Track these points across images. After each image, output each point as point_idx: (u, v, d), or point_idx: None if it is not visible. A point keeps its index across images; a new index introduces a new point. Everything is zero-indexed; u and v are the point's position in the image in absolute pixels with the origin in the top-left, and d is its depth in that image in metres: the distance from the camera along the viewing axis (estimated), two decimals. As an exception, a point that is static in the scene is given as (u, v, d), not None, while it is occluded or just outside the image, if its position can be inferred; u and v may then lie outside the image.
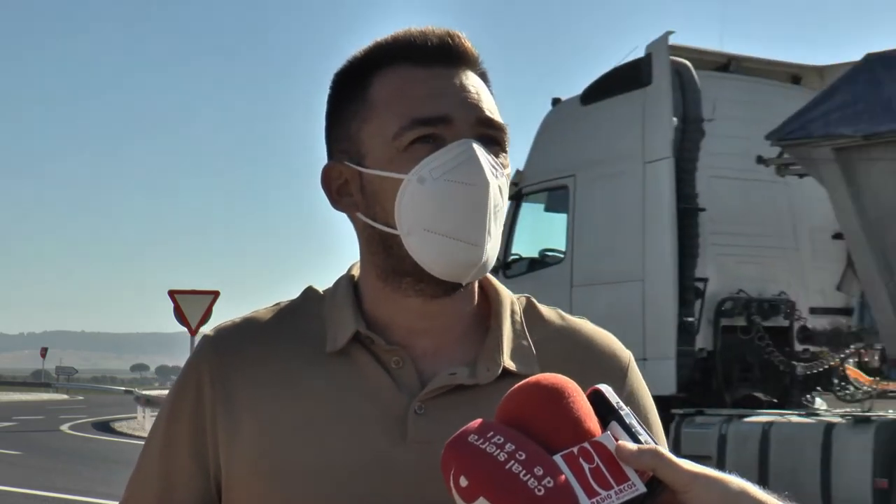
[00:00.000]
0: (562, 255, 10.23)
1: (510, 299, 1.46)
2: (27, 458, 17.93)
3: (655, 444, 1.10)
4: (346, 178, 1.40)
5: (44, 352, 54.08)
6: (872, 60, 8.29)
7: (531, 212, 10.58)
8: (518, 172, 10.52)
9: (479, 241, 1.33)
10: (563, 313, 1.49)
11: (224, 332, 1.44)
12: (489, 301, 1.45)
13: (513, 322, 1.43)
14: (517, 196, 10.50)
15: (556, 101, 10.77)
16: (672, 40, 9.61)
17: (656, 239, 9.43)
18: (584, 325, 1.48)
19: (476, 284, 1.43)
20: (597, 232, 9.86)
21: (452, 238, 1.32)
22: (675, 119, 9.41)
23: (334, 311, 1.42)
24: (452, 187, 1.31)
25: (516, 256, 10.59)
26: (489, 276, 1.45)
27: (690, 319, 9.38)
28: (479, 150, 1.33)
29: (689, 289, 9.41)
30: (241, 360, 1.40)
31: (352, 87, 1.39)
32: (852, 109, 8.02)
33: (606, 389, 1.13)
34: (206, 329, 1.48)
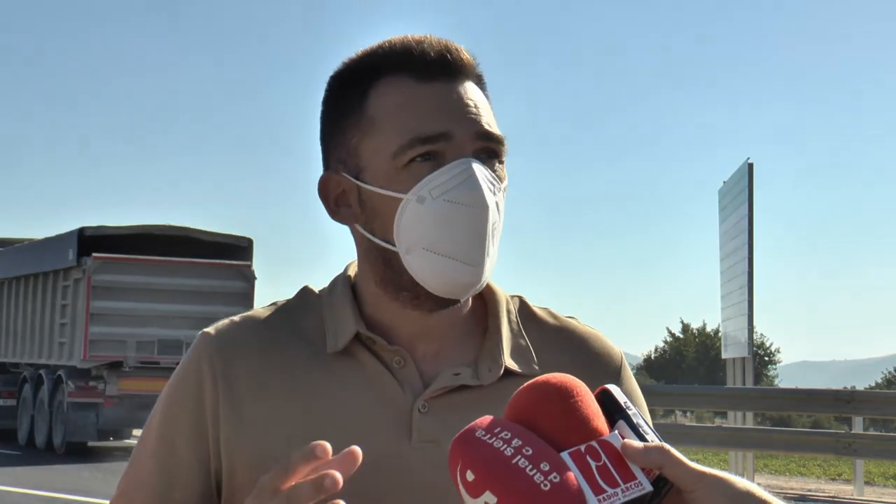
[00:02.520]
0: None
1: (505, 298, 1.47)
2: (27, 458, 17.91)
3: (662, 443, 1.10)
4: (343, 188, 1.39)
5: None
6: None
7: None
8: None
9: (479, 262, 1.33)
10: (555, 312, 1.50)
11: (225, 330, 1.43)
12: (485, 301, 1.45)
13: (509, 321, 1.44)
14: None
15: None
16: None
17: None
18: (576, 324, 1.50)
19: None
20: None
21: (452, 258, 1.33)
22: None
23: (333, 312, 1.42)
24: (452, 208, 1.31)
25: None
26: None
27: None
28: (478, 169, 1.33)
29: None
30: (244, 358, 1.40)
31: (349, 96, 1.39)
32: None
33: (615, 389, 1.13)
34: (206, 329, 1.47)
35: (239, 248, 18.02)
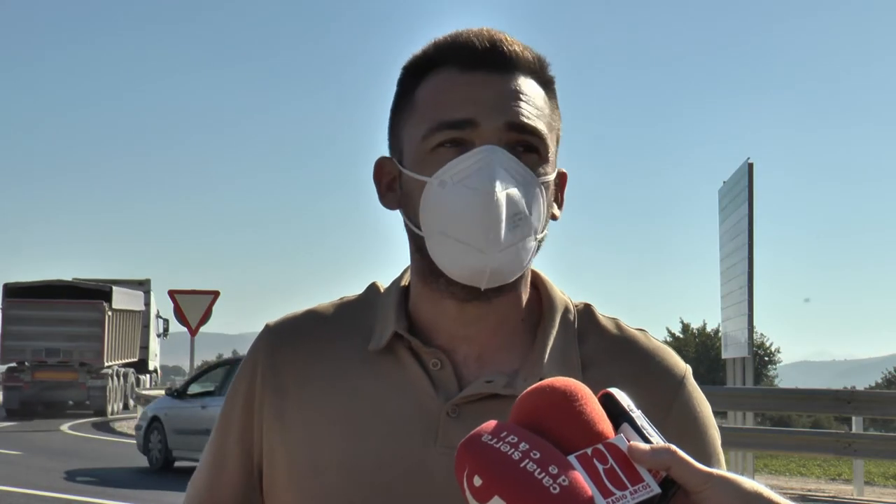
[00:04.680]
0: None
1: (565, 306, 1.43)
2: (27, 458, 17.91)
3: (668, 444, 1.10)
4: (393, 174, 1.41)
5: (43, 352, 54.40)
6: None
7: None
8: None
9: (488, 248, 1.30)
10: (622, 323, 1.45)
11: (283, 325, 1.47)
12: (543, 308, 1.43)
13: (565, 331, 1.41)
14: None
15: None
16: None
17: None
18: (641, 338, 1.44)
19: (527, 290, 1.42)
20: None
21: (462, 242, 1.31)
22: None
23: (384, 309, 1.43)
24: (467, 192, 1.31)
25: None
26: (546, 280, 1.45)
27: None
28: (499, 156, 1.31)
29: None
30: (294, 354, 1.43)
31: (407, 85, 1.40)
32: None
33: (618, 393, 1.12)
34: (268, 320, 1.53)
35: (101, 292, 32.73)
